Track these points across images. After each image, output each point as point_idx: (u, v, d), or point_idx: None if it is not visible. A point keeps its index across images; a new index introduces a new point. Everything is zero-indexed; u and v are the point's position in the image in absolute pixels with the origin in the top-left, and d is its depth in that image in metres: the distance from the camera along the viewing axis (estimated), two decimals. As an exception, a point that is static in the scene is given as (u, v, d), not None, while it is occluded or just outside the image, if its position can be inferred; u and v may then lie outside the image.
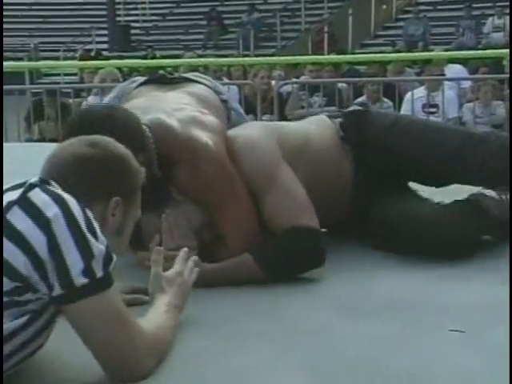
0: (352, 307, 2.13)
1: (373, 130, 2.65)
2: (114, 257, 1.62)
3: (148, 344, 1.68)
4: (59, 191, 1.62)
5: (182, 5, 21.45)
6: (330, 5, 19.21)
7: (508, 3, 14.99)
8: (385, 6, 19.07)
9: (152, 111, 2.39)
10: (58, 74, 13.44)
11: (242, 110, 3.09)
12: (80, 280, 1.54)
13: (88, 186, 1.72)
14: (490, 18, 16.27)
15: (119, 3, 20.78)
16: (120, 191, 1.77)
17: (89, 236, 1.57)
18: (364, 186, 2.62)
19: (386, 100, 7.50)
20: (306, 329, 1.99)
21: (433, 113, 7.38)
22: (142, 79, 2.76)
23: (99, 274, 1.57)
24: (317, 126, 2.68)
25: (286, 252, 2.31)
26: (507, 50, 8.74)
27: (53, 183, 1.66)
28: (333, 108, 7.46)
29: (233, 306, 2.14)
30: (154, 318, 1.81)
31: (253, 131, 2.52)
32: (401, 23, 17.78)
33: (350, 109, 2.79)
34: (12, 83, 7.82)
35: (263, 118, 7.06)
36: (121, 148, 1.82)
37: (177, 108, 2.43)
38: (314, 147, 2.58)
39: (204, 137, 2.34)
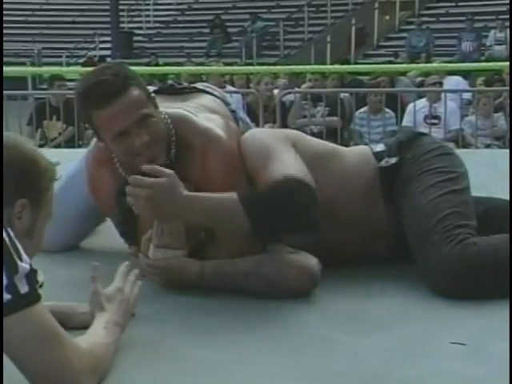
0: (353, 321, 2.13)
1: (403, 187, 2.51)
2: (42, 275, 1.54)
3: (84, 361, 1.56)
4: None
5: (186, 13, 21.49)
6: (333, 15, 19.26)
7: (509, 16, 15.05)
8: (388, 17, 19.11)
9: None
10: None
11: (248, 120, 3.11)
12: (4, 296, 1.44)
13: None
14: (492, 31, 16.30)
15: (123, 10, 20.81)
16: (26, 193, 1.66)
17: (13, 254, 1.48)
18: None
19: (388, 111, 7.51)
20: (307, 342, 1.99)
21: (434, 124, 7.39)
22: (151, 89, 2.77)
23: (24, 289, 1.47)
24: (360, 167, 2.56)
25: (275, 200, 2.22)
26: (508, 63, 8.76)
27: None
28: (335, 118, 7.49)
29: (233, 319, 2.13)
30: (91, 335, 1.72)
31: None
32: (404, 34, 17.81)
33: (393, 161, 2.53)
34: (15, 88, 7.84)
35: (265, 126, 7.07)
36: (28, 146, 1.71)
37: (194, 112, 2.49)
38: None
39: (219, 130, 2.38)
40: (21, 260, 1.50)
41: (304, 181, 2.27)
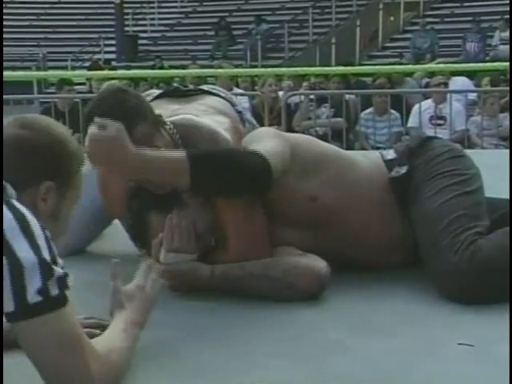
0: (362, 323, 2.13)
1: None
2: (71, 276, 1.55)
3: (101, 367, 1.57)
4: (21, 208, 1.52)
5: (191, 15, 21.52)
6: (338, 16, 19.26)
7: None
8: (392, 18, 19.10)
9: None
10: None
11: (255, 122, 3.10)
12: (34, 298, 1.47)
13: (19, 171, 1.63)
14: (497, 31, 16.27)
15: (127, 13, 20.84)
16: (54, 175, 1.67)
17: (48, 259, 1.50)
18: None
19: (393, 112, 7.51)
20: (316, 344, 1.99)
21: (440, 125, 7.38)
22: (156, 92, 2.77)
23: (54, 292, 1.49)
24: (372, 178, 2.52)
25: (226, 161, 2.21)
26: None
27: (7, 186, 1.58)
28: (340, 120, 7.48)
29: (241, 322, 2.14)
30: (109, 338, 1.71)
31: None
32: (408, 35, 17.79)
33: (403, 171, 2.50)
34: (20, 93, 7.86)
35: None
36: (58, 129, 1.73)
37: (198, 114, 2.49)
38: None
39: (226, 134, 2.39)
40: (56, 264, 1.52)
41: (267, 160, 2.22)
